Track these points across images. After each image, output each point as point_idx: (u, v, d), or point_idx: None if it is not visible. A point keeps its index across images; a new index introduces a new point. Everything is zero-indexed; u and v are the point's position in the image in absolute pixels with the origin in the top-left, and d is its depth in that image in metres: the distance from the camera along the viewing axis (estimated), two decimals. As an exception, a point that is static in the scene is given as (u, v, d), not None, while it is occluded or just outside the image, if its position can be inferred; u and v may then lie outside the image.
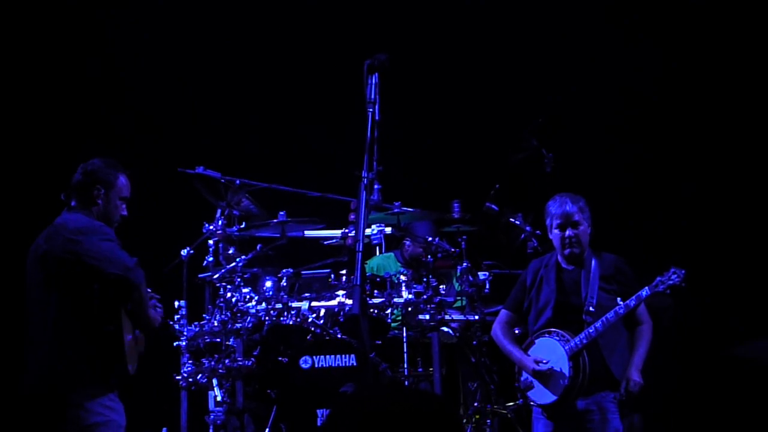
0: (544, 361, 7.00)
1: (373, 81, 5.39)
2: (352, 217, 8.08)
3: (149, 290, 6.71)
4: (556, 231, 7.19)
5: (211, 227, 8.19)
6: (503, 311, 7.47)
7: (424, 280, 8.02)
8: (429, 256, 8.26)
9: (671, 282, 6.90)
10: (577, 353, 6.94)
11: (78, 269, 6.24)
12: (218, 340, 7.96)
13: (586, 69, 10.59)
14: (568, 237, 7.13)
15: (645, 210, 10.38)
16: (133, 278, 6.26)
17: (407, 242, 9.31)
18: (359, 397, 3.52)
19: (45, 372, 6.23)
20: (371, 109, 5.34)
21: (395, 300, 7.93)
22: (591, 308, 7.01)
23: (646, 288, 6.95)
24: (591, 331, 6.92)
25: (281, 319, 7.90)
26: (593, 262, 7.17)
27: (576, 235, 7.13)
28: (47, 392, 6.21)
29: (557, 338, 7.03)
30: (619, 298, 7.01)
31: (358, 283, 4.93)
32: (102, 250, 6.26)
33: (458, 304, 8.65)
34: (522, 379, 7.17)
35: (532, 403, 7.16)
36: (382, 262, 9.26)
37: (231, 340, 7.91)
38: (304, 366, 7.62)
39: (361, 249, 5.05)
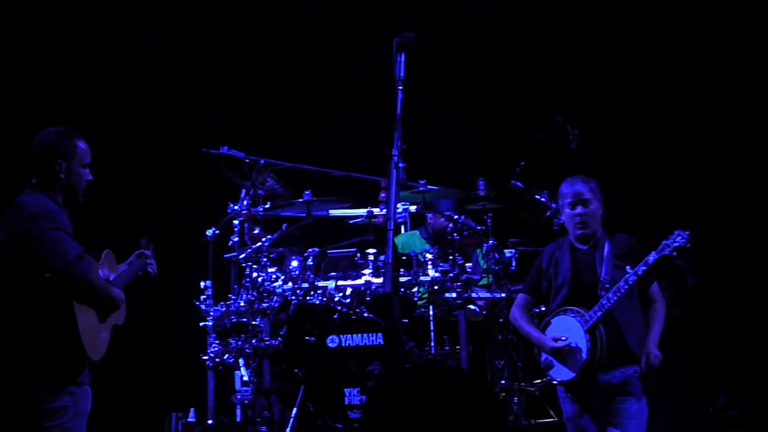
0: (563, 338, 7.01)
1: (402, 59, 5.37)
2: (383, 195, 8.07)
3: (146, 241, 6.67)
4: (567, 210, 7.22)
5: (236, 207, 8.19)
6: (521, 295, 7.51)
7: (450, 258, 8.00)
8: (455, 234, 8.23)
9: (677, 244, 6.91)
10: (593, 326, 6.97)
11: (29, 259, 6.07)
12: (245, 320, 7.98)
13: (611, 48, 10.56)
14: (579, 215, 7.16)
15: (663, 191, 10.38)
16: (73, 271, 6.04)
17: (429, 216, 9.30)
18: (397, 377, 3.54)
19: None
20: (400, 87, 5.32)
21: (421, 278, 7.92)
22: (606, 285, 7.04)
23: (653, 253, 6.98)
24: (604, 302, 6.95)
25: (307, 298, 7.91)
26: (606, 242, 7.20)
27: (586, 213, 7.16)
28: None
29: (572, 315, 7.06)
30: (628, 266, 7.03)
31: (390, 261, 4.91)
32: (48, 241, 6.05)
33: (484, 281, 8.63)
34: (542, 359, 7.19)
35: (554, 381, 7.18)
36: (407, 240, 9.25)
37: (257, 319, 7.92)
38: (330, 345, 7.62)
39: (392, 227, 5.04)
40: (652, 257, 6.98)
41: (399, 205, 8.98)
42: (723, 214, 10.04)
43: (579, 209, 7.17)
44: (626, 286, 6.96)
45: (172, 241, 8.07)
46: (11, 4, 10.14)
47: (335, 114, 10.72)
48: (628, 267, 7.04)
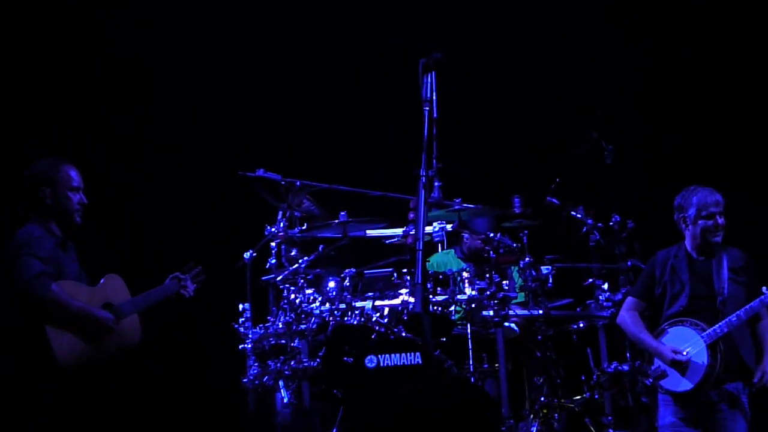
0: (684, 352, 7.06)
1: (429, 80, 5.39)
2: (412, 216, 8.08)
3: (190, 264, 6.76)
4: (703, 221, 7.32)
5: (273, 229, 8.22)
6: (630, 298, 7.61)
7: (487, 276, 8.00)
8: (491, 252, 8.23)
9: None
10: (715, 342, 7.04)
11: (9, 289, 6.37)
12: (283, 341, 8.00)
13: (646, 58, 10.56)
14: (721, 225, 7.27)
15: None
16: (31, 290, 6.25)
17: (466, 236, 9.30)
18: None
19: None
20: (427, 108, 5.35)
21: (458, 297, 7.92)
22: (723, 298, 7.09)
23: None
24: (733, 319, 7.06)
25: (345, 319, 7.91)
26: (724, 254, 7.27)
27: (723, 224, 7.28)
28: None
29: (692, 327, 7.15)
30: (764, 287, 7.09)
31: (420, 281, 4.93)
32: (16, 265, 6.33)
33: (520, 299, 8.62)
34: (653, 367, 7.26)
35: (663, 391, 7.22)
36: (443, 259, 9.26)
37: (296, 341, 7.94)
38: (369, 365, 7.62)
39: (421, 248, 5.05)
40: None
41: (435, 224, 8.99)
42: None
43: (720, 220, 7.28)
44: (759, 307, 7.04)
45: (211, 264, 8.10)
46: (11, 4, 10.19)
47: (370, 133, 10.75)
48: (764, 288, 7.10)
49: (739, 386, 7.09)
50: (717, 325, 7.08)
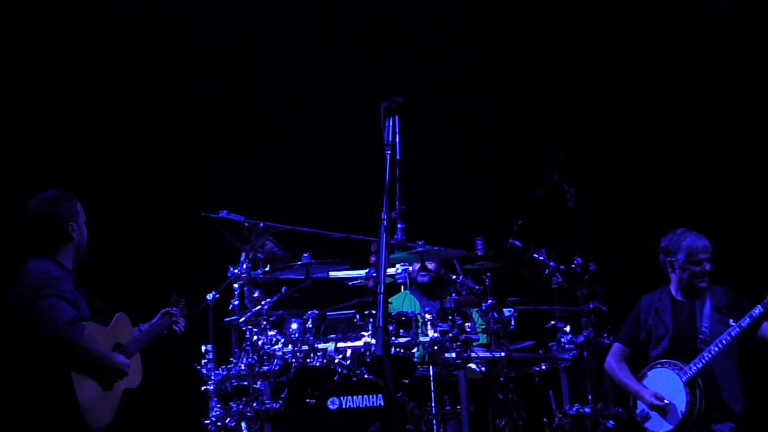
0: (665, 401, 7.10)
1: (391, 123, 5.42)
2: (373, 259, 8.11)
3: (176, 298, 6.72)
4: (691, 266, 7.38)
5: (236, 271, 8.22)
6: (616, 344, 7.71)
7: (449, 318, 8.00)
8: (453, 294, 8.24)
9: None
10: (692, 379, 7.11)
11: (26, 326, 6.19)
12: (246, 383, 7.98)
13: (606, 102, 10.64)
14: (707, 272, 7.35)
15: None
16: (63, 336, 6.12)
17: (411, 270, 9.31)
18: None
19: None
20: (389, 152, 5.37)
21: (421, 339, 7.93)
22: (704, 337, 7.15)
23: (759, 306, 7.12)
24: (705, 354, 7.12)
25: (308, 360, 7.90)
26: (708, 295, 7.34)
27: (710, 269, 7.35)
28: None
29: (670, 368, 7.22)
30: (731, 319, 7.14)
31: (381, 324, 4.94)
32: (42, 307, 6.17)
33: (482, 341, 8.64)
34: (638, 410, 7.31)
35: None
36: (398, 301, 9.29)
37: (258, 383, 7.93)
38: (331, 407, 7.61)
39: (382, 291, 5.06)
40: (756, 311, 7.13)
41: (398, 266, 9.02)
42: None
43: (707, 266, 7.36)
44: (729, 339, 7.08)
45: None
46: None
47: (332, 176, 10.79)
48: (731, 320, 7.14)
49: (727, 428, 7.12)
50: (692, 363, 7.15)
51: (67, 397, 6.11)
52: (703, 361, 7.16)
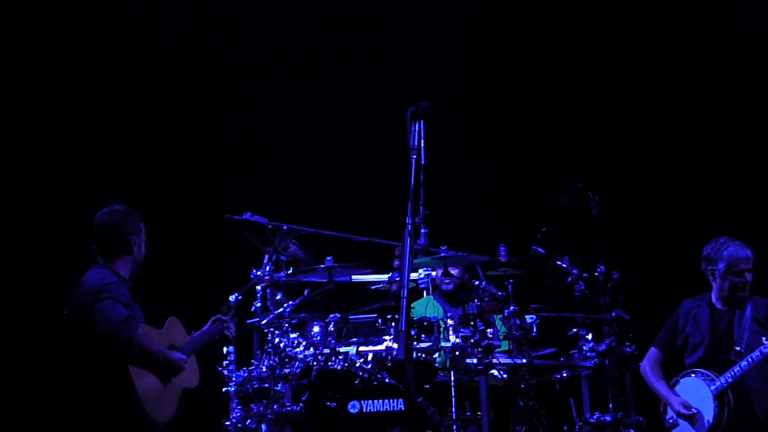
0: (693, 411, 7.07)
1: (416, 128, 5.43)
2: (397, 263, 8.11)
3: (226, 307, 6.85)
4: (732, 276, 7.33)
5: (259, 273, 8.24)
6: (653, 349, 7.70)
7: (471, 323, 8.00)
8: (476, 300, 8.24)
9: None
10: (722, 392, 7.06)
11: (83, 329, 6.52)
12: (267, 385, 7.99)
13: (632, 110, 10.63)
14: (749, 282, 7.30)
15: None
16: (119, 333, 6.39)
17: (434, 276, 9.32)
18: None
19: None
20: (414, 156, 5.38)
21: (442, 344, 7.92)
22: (740, 348, 7.11)
23: None
24: (736, 370, 7.07)
25: (329, 364, 7.91)
26: (749, 304, 7.28)
27: (751, 280, 7.31)
28: None
29: (702, 377, 7.18)
30: (764, 338, 7.09)
31: (404, 328, 4.94)
32: (98, 309, 6.46)
33: (504, 347, 8.63)
34: (668, 417, 7.28)
35: None
36: (421, 307, 9.29)
37: (279, 385, 7.94)
38: (352, 411, 7.61)
39: (405, 295, 5.06)
40: None
41: (421, 271, 9.01)
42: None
43: (749, 276, 7.31)
44: (759, 357, 7.01)
45: (195, 307, 8.11)
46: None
47: (358, 179, 10.79)
48: (764, 338, 7.08)
49: None
50: (723, 377, 7.11)
51: (126, 389, 6.32)
52: (735, 374, 7.11)
